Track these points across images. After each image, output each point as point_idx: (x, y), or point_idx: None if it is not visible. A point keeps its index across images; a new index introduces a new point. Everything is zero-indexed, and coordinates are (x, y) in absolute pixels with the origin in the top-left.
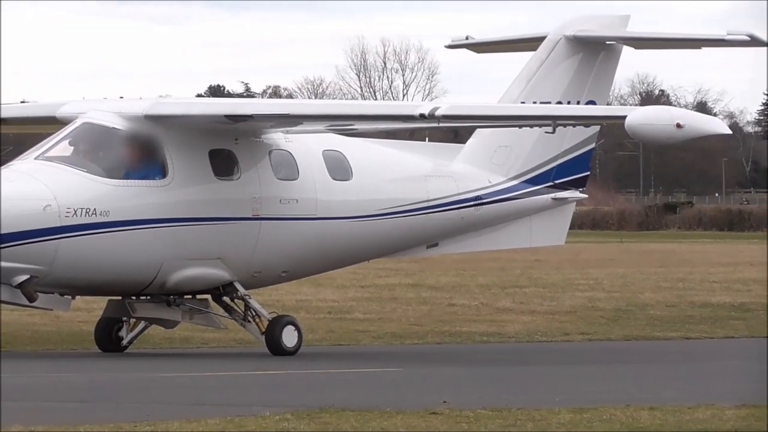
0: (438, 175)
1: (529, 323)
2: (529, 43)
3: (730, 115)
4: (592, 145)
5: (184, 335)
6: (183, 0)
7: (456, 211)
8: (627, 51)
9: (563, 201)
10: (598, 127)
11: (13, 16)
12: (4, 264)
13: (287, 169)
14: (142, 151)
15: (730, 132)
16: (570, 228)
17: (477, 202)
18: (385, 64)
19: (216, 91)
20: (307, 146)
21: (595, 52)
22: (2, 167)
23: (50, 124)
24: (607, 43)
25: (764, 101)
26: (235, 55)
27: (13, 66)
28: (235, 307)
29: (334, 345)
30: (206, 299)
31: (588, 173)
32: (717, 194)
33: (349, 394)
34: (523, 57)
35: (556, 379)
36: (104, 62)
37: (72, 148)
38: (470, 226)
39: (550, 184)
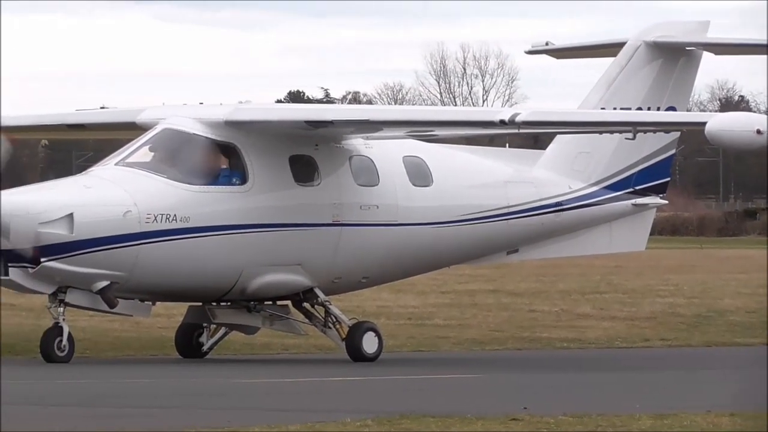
0: (518, 181)
1: (610, 329)
2: (609, 49)
3: None
4: (672, 151)
5: (265, 341)
6: (264, 1)
7: (536, 217)
8: (707, 57)
9: (643, 207)
10: (678, 133)
11: (91, 21)
12: (85, 270)
13: (368, 175)
14: (222, 157)
15: None
16: (650, 234)
17: (557, 208)
18: (464, 69)
19: (296, 97)
20: (387, 152)
21: (675, 58)
22: (82, 173)
23: (130, 129)
24: (687, 48)
25: None
26: (316, 60)
27: (92, 71)
28: (316, 313)
29: (415, 351)
30: (286, 305)
31: (668, 179)
32: None
33: (429, 400)
34: (603, 63)
35: (637, 384)
36: (184, 68)
37: (152, 154)
38: (550, 232)
39: (631, 190)
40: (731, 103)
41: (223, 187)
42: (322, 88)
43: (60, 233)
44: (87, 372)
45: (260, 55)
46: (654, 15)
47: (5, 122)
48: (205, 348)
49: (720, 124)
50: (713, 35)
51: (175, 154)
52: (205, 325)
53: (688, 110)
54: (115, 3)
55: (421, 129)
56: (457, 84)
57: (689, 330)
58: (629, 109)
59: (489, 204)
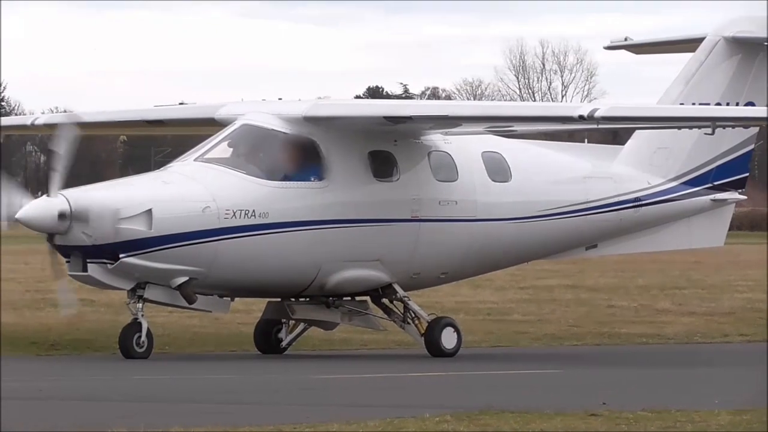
0: (597, 176)
1: (689, 324)
2: (688, 45)
3: None
4: (751, 147)
5: (343, 337)
6: (343, 1)
7: (615, 212)
8: None
9: (722, 202)
10: (756, 129)
11: (173, 17)
12: (163, 266)
13: (446, 170)
14: (301, 152)
15: None
16: (728, 229)
17: (636, 203)
18: (543, 65)
19: (375, 93)
20: (466, 148)
21: (753, 53)
22: (161, 169)
23: (209, 125)
24: (766, 44)
25: None
26: (394, 56)
27: (172, 67)
28: (395, 309)
29: (493, 346)
30: (365, 301)
31: (747, 174)
32: None
33: (508, 396)
34: (682, 58)
35: (716, 380)
36: (264, 64)
37: (231, 149)
38: (629, 228)
39: (709, 185)
40: None
41: (302, 182)
42: (401, 83)
43: (139, 229)
44: (166, 368)
45: (339, 51)
46: (733, 10)
47: (85, 118)
48: (283, 344)
49: None
50: None
51: (254, 150)
52: (284, 320)
53: (767, 105)
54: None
55: (500, 124)
56: (536, 79)
57: None
58: (708, 104)
59: (568, 199)
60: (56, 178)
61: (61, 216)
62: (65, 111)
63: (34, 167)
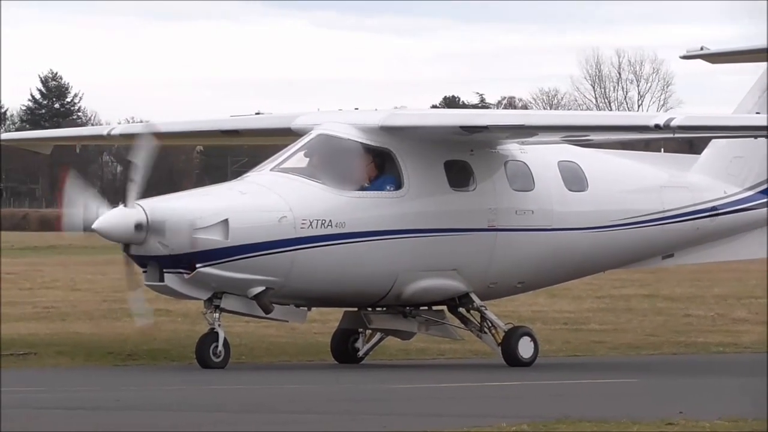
0: (673, 185)
1: (765, 333)
2: (764, 54)
3: None
4: None
5: (420, 346)
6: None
7: (691, 221)
8: None
9: None
10: None
11: (249, 28)
12: (240, 276)
13: (523, 180)
14: (377, 162)
15: None
16: None
17: (712, 212)
18: (620, 74)
19: (451, 102)
20: (542, 157)
21: None
22: (237, 179)
23: (285, 135)
24: None
25: None
26: (471, 66)
27: (248, 77)
28: (471, 318)
29: (570, 356)
30: (442, 310)
31: None
32: None
33: (585, 405)
34: (758, 67)
35: None
36: (340, 74)
37: (307, 159)
38: (705, 237)
39: None
40: None
41: (378, 192)
42: (477, 93)
43: (215, 239)
44: (243, 378)
45: (416, 60)
46: None
47: (161, 128)
48: (360, 353)
49: None
50: None
51: (330, 160)
52: (360, 330)
53: None
54: (273, 10)
55: (577, 134)
56: (612, 89)
57: None
58: None
59: (644, 209)
60: (134, 189)
61: (138, 227)
62: (141, 121)
63: (110, 177)
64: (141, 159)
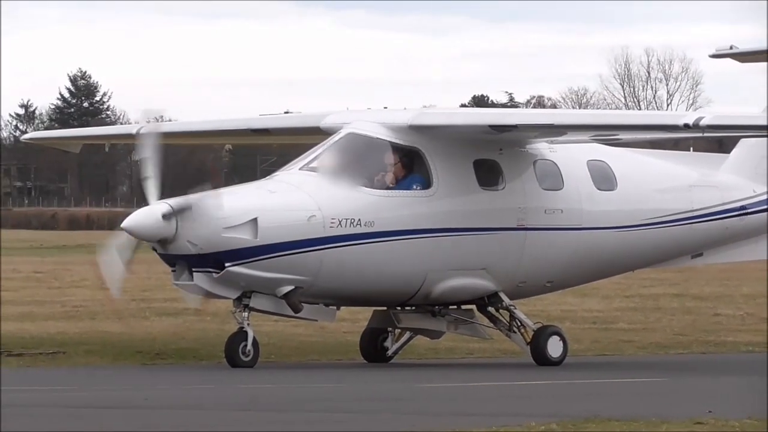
0: (703, 185)
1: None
2: None
3: None
4: None
5: (449, 345)
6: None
7: (720, 221)
8: None
9: None
10: None
11: (278, 27)
12: (269, 275)
13: (552, 179)
14: (406, 161)
15: None
16: None
17: (742, 212)
18: (649, 73)
19: (480, 101)
20: (571, 156)
21: None
22: (266, 178)
23: (314, 134)
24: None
25: None
26: (499, 65)
27: (277, 76)
28: (500, 318)
29: (599, 355)
30: (471, 309)
31: None
32: None
33: (614, 404)
34: None
35: None
36: (369, 73)
37: (336, 158)
38: (734, 236)
39: None
40: None
41: (407, 191)
42: (506, 92)
43: (244, 238)
44: (272, 377)
45: (445, 59)
46: None
47: (190, 127)
48: (389, 352)
49: None
50: None
51: (360, 159)
52: (389, 329)
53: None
54: (301, 9)
55: (606, 133)
56: (641, 88)
57: None
58: None
59: (673, 208)
60: (151, 185)
61: (165, 216)
62: (170, 120)
63: (139, 176)
64: (148, 155)
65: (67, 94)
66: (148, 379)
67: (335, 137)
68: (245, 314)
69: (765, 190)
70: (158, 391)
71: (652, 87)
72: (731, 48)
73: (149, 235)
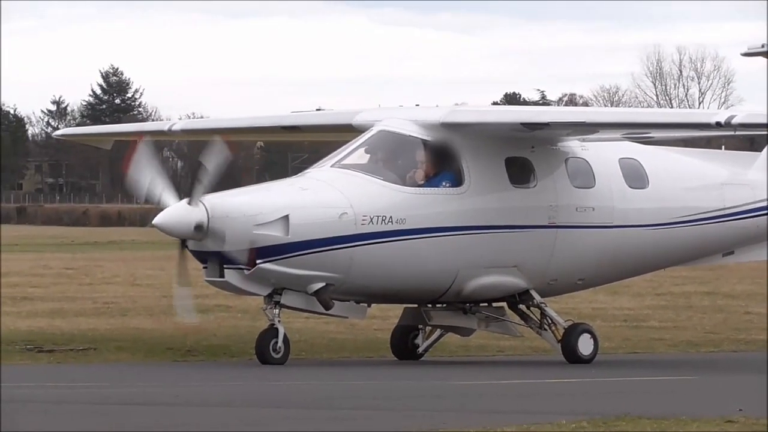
0: (734, 183)
1: None
2: None
3: None
4: None
5: (480, 343)
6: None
7: (752, 219)
8: None
9: None
10: None
11: (311, 25)
12: (300, 272)
13: (584, 177)
14: (438, 158)
15: None
16: None
17: None
18: (680, 72)
19: (512, 99)
20: (603, 154)
21: None
22: (298, 175)
23: (346, 131)
24: None
25: None
26: (532, 63)
27: (310, 73)
28: (531, 315)
29: (630, 353)
30: (502, 307)
31: None
32: None
33: (644, 402)
34: None
35: None
36: (401, 70)
37: (368, 155)
38: (766, 234)
39: None
40: None
41: (439, 188)
42: (538, 90)
43: (275, 235)
44: (302, 374)
45: (477, 57)
46: None
47: (221, 124)
48: (420, 350)
49: None
50: None
51: (391, 156)
52: (420, 326)
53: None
54: (335, 7)
55: (637, 131)
56: (673, 86)
57: None
58: None
59: (705, 206)
60: (199, 190)
61: (198, 227)
62: (202, 117)
63: (170, 173)
64: (211, 163)
65: (99, 91)
66: (178, 376)
67: (367, 134)
68: (276, 311)
69: None
70: (189, 387)
71: (683, 85)
72: (763, 46)
73: (179, 236)
